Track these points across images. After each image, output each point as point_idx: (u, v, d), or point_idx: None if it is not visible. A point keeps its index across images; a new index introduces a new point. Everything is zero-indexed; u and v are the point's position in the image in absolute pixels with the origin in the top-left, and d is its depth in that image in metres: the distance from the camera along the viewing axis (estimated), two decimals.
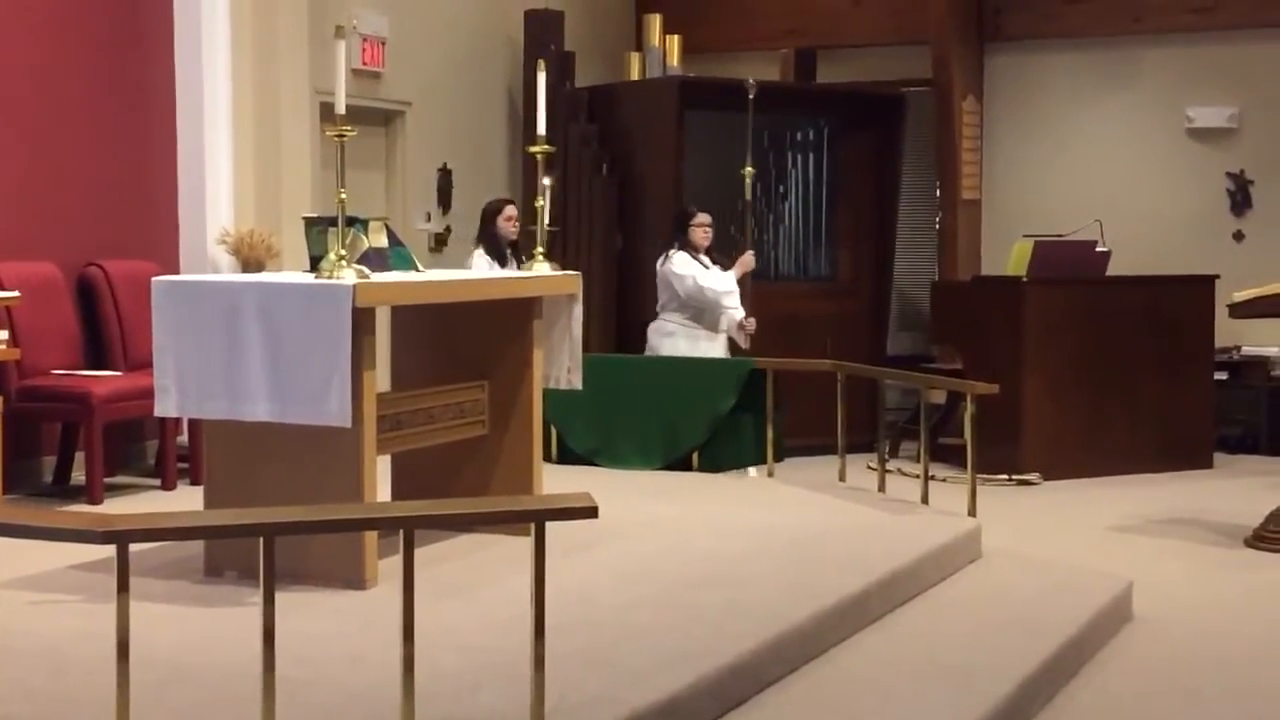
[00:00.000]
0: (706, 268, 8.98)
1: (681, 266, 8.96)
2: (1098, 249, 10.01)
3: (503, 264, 8.54)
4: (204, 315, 5.39)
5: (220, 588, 5.35)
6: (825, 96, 11.50)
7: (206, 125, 8.31)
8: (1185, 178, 11.14)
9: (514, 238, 8.67)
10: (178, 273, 8.00)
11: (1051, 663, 5.41)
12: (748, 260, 9.12)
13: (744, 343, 8.93)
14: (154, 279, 5.63)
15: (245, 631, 4.30)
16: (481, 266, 8.52)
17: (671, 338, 9.10)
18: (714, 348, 9.03)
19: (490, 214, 8.76)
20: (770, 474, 8.26)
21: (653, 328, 9.19)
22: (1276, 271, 8.30)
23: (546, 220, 6.95)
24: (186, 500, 6.98)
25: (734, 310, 8.95)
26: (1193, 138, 11.11)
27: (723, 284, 8.95)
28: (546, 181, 7.17)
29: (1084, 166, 11.48)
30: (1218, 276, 9.78)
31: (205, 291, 5.49)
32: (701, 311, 9.02)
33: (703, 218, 9.09)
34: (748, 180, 9.27)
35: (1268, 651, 5.96)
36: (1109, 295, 9.90)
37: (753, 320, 8.93)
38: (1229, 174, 10.94)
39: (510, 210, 8.77)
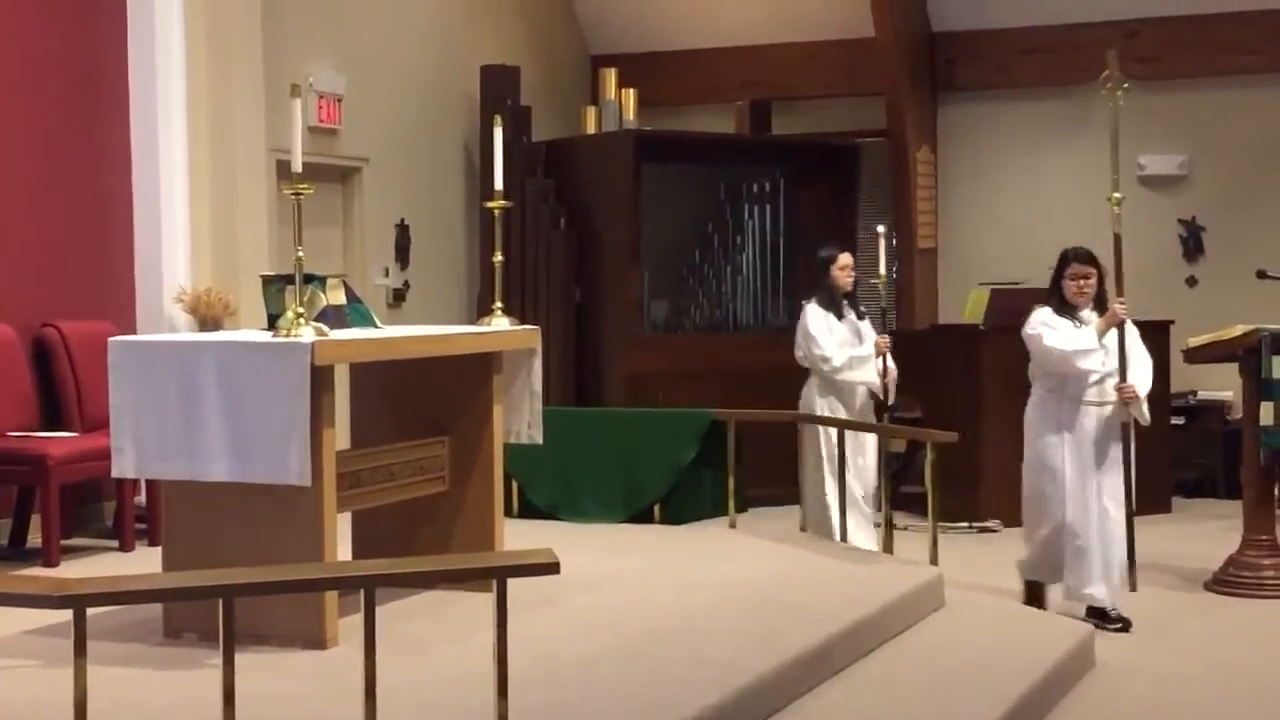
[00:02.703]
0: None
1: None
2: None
3: (839, 316, 8.07)
4: (161, 375, 5.36)
5: (179, 650, 5.30)
6: (780, 148, 11.58)
7: (163, 184, 8.29)
8: (1138, 225, 11.21)
9: (849, 288, 8.14)
10: (134, 332, 7.96)
11: (1015, 711, 5.40)
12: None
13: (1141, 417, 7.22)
14: (110, 339, 5.60)
15: (205, 693, 4.25)
16: (818, 323, 8.00)
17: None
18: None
19: (824, 265, 8.15)
20: (732, 525, 8.25)
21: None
22: (1230, 316, 8.36)
23: None
24: (145, 562, 6.92)
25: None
26: (1144, 185, 11.22)
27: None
28: None
29: (1038, 214, 11.57)
30: (1172, 322, 9.86)
31: (162, 351, 5.46)
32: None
33: (844, 259, 8.18)
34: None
35: (1230, 696, 5.98)
36: None
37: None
38: (1181, 220, 11.06)
39: (844, 259, 8.17)
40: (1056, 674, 5.96)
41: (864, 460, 8.03)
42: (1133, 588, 7.05)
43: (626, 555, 7.33)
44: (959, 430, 7.64)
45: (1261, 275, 8.03)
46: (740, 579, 6.62)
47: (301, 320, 5.41)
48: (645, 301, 10.67)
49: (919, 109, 11.68)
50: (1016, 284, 10.24)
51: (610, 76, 11.47)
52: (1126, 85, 7.30)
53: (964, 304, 10.19)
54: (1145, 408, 6.98)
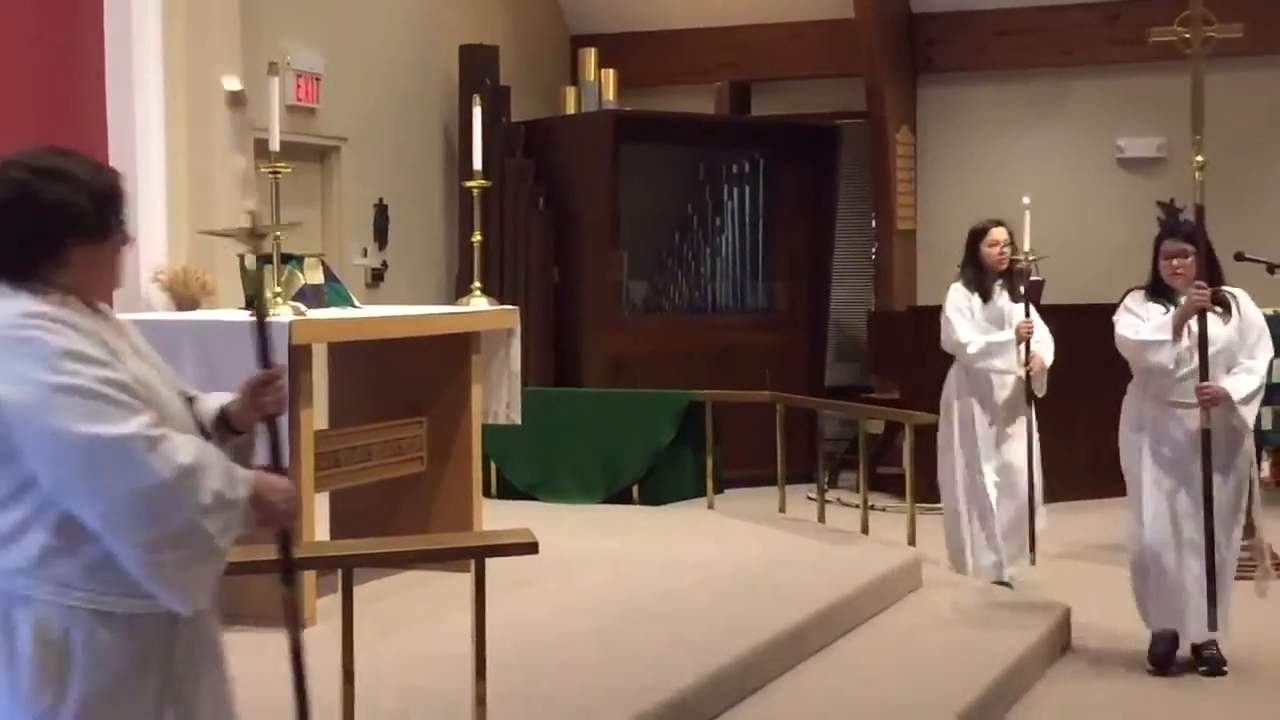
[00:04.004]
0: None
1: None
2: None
3: (985, 298, 7.23)
4: None
5: None
6: (760, 129, 11.56)
7: (139, 163, 8.24)
8: (1117, 207, 11.26)
9: (1002, 267, 7.24)
10: None
11: (990, 693, 5.43)
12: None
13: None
14: None
15: None
16: (957, 303, 7.19)
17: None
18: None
19: (972, 240, 7.34)
20: (710, 506, 8.26)
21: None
22: None
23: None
24: None
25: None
26: (1123, 167, 11.24)
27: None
28: None
29: (1017, 196, 11.48)
30: None
31: (140, 331, 5.43)
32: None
33: (996, 234, 7.27)
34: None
35: (1205, 680, 5.99)
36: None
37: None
38: (1159, 203, 11.05)
39: (996, 234, 7.27)
40: (1033, 655, 5.98)
41: (1006, 458, 7.12)
42: (1212, 625, 5.90)
43: (604, 536, 7.33)
44: (937, 411, 7.65)
45: (1240, 258, 8.00)
46: (718, 560, 6.63)
47: (279, 300, 5.39)
48: (624, 282, 10.66)
49: (898, 90, 11.67)
50: None
51: (590, 56, 11.44)
52: (1213, 31, 6.57)
53: (944, 288, 10.19)
54: (1249, 412, 5.90)
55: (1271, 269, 8.36)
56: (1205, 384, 5.80)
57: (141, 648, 2.66)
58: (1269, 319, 7.58)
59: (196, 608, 2.73)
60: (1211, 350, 5.83)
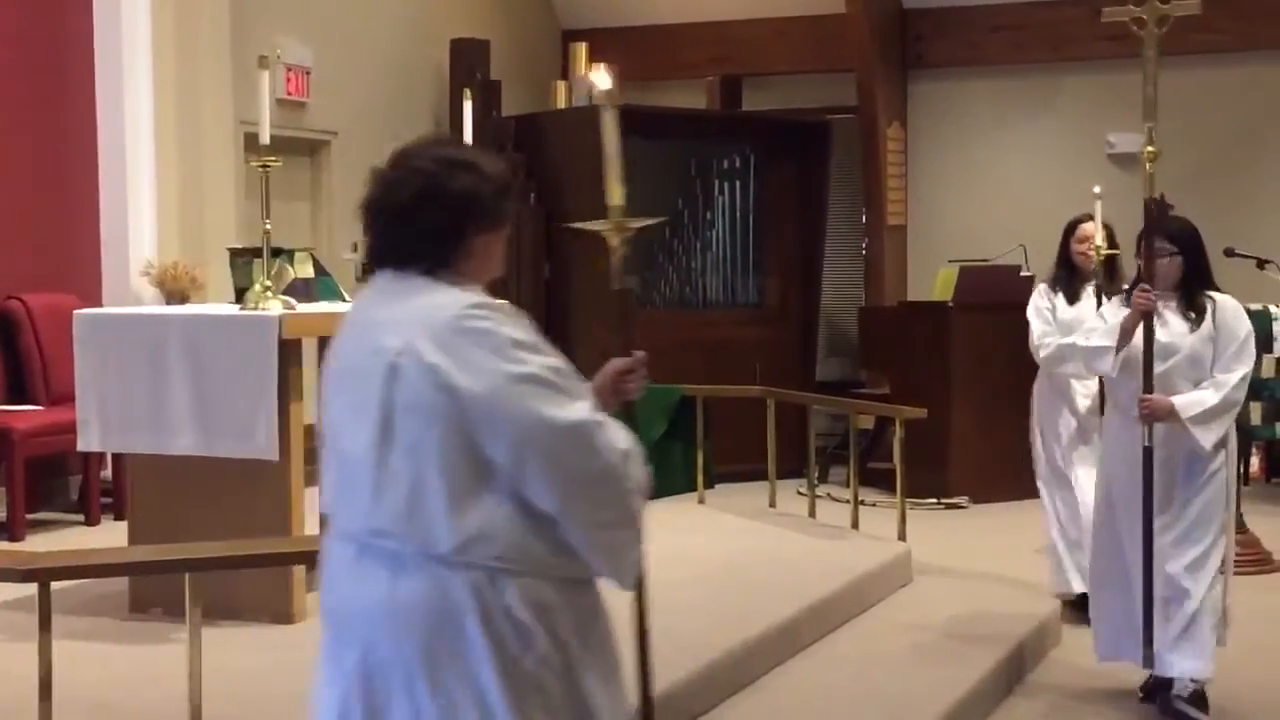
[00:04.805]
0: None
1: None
2: (1022, 274, 10.10)
3: (1072, 299, 6.52)
4: (127, 348, 5.33)
5: (146, 625, 5.28)
6: (751, 124, 11.56)
7: (129, 156, 8.23)
8: (1107, 202, 11.22)
9: (1089, 266, 6.50)
10: (100, 305, 7.91)
11: (981, 687, 5.43)
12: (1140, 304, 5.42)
13: (1144, 437, 5.32)
14: (76, 312, 5.57)
15: (171, 669, 4.23)
16: (1037, 304, 6.51)
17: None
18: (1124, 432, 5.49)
19: (1063, 235, 6.71)
20: (701, 500, 8.26)
21: None
22: None
23: None
24: (111, 536, 6.88)
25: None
26: (1113, 163, 11.23)
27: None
28: None
29: (1007, 192, 11.59)
30: None
31: (128, 324, 5.43)
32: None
33: (1085, 229, 6.54)
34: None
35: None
36: None
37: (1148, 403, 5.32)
38: (1148, 199, 11.07)
39: (1084, 230, 6.56)
40: (1022, 649, 5.98)
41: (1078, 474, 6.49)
42: (1146, 664, 5.42)
43: None
44: (928, 407, 7.65)
45: (1230, 254, 8.04)
46: (708, 555, 6.63)
47: (269, 294, 5.39)
48: (616, 277, 10.63)
49: (889, 86, 11.67)
50: (986, 261, 10.25)
51: (581, 51, 11.42)
52: (1168, 9, 6.20)
53: (934, 283, 10.20)
54: (1206, 433, 5.24)
55: (1261, 264, 8.40)
56: (1147, 397, 5.25)
57: (587, 614, 2.79)
58: (1257, 315, 7.65)
59: (633, 586, 2.87)
60: (1171, 359, 5.31)
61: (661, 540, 7.17)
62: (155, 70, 8.27)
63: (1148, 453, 5.29)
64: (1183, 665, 5.32)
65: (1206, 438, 5.26)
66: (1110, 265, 6.58)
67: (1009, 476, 9.55)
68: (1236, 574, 6.48)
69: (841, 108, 11.65)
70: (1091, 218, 6.53)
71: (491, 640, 2.63)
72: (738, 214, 11.17)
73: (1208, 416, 5.27)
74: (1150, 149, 5.93)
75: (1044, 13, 11.24)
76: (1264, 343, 7.57)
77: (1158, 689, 5.51)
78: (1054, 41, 11.30)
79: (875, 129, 11.52)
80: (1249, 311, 7.05)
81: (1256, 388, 7.55)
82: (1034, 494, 6.99)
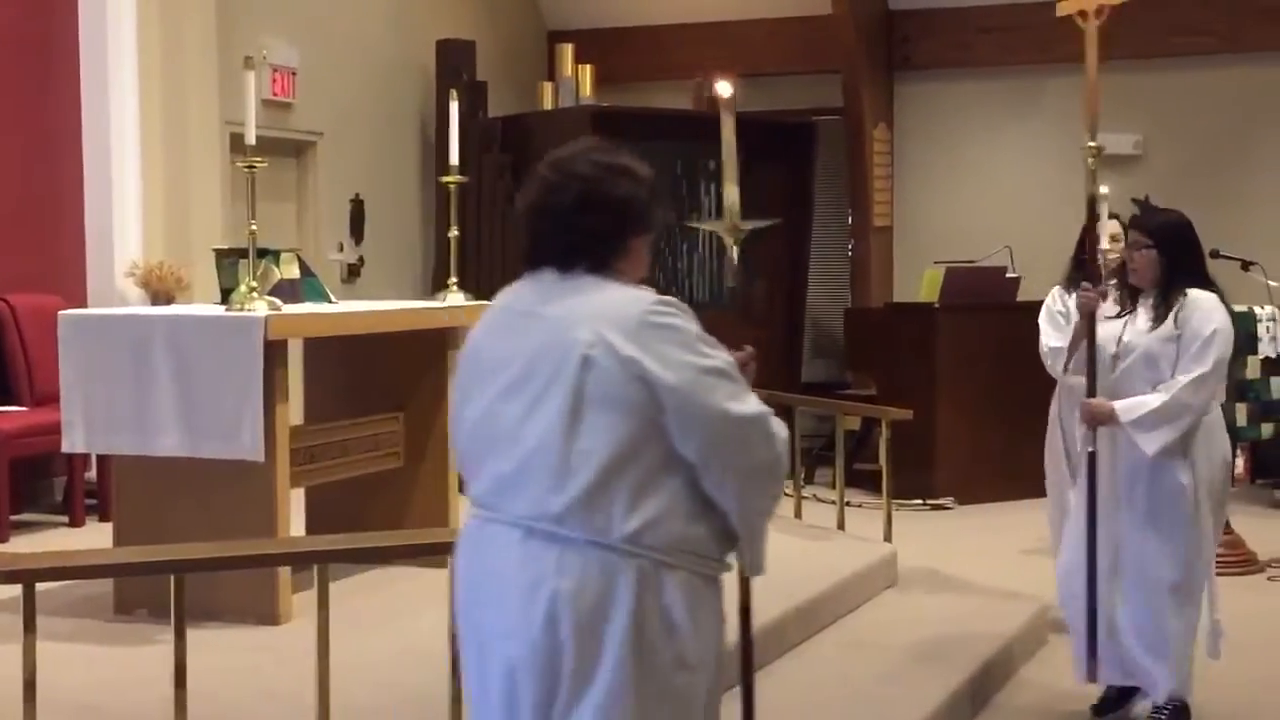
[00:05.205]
0: (1066, 312, 5.91)
1: (1047, 306, 6.16)
2: (1008, 275, 10.12)
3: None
4: (112, 349, 5.32)
5: (130, 626, 5.27)
6: (737, 125, 11.54)
7: (114, 156, 8.20)
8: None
9: (1109, 267, 5.90)
10: (85, 306, 7.88)
11: (967, 688, 5.44)
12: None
13: (1089, 441, 5.21)
14: (61, 313, 5.56)
15: (156, 670, 4.22)
16: (1050, 307, 6.10)
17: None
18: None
19: (1081, 236, 6.16)
20: None
21: None
22: None
23: None
24: (95, 538, 6.87)
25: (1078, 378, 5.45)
26: (1101, 164, 11.26)
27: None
28: None
29: (993, 193, 11.60)
30: None
31: (113, 325, 5.42)
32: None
33: (1109, 225, 6.01)
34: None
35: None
36: (1020, 320, 9.86)
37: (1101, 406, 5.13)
38: (1134, 200, 11.08)
39: (1107, 229, 6.04)
40: (1008, 651, 5.99)
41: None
42: (1090, 677, 5.29)
43: None
44: (913, 408, 7.66)
45: (1215, 255, 8.06)
46: None
47: (255, 294, 5.38)
48: None
49: (876, 87, 11.68)
50: (972, 263, 10.27)
51: (567, 52, 11.42)
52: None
53: (920, 285, 10.22)
54: (1147, 438, 4.99)
55: (1246, 266, 8.42)
56: (1089, 400, 5.11)
57: (719, 614, 2.92)
58: (1241, 316, 7.66)
59: (763, 572, 3.03)
60: (1128, 360, 5.13)
61: None
62: (141, 71, 8.25)
63: (1091, 458, 5.17)
64: (1124, 678, 5.24)
65: (1148, 444, 4.99)
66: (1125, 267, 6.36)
67: (994, 477, 9.59)
68: (1220, 574, 6.48)
69: (828, 109, 11.66)
70: (1114, 215, 6.38)
71: (638, 630, 2.74)
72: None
73: (1149, 421, 4.99)
74: (1092, 144, 5.79)
75: (1030, 14, 11.25)
76: (1248, 344, 7.58)
77: (1111, 703, 5.39)
78: (1040, 43, 11.31)
79: (861, 130, 11.53)
80: (1234, 314, 7.02)
81: (1242, 389, 7.57)
82: (1019, 495, 6.98)
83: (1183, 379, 4.99)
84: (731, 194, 3.52)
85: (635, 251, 2.95)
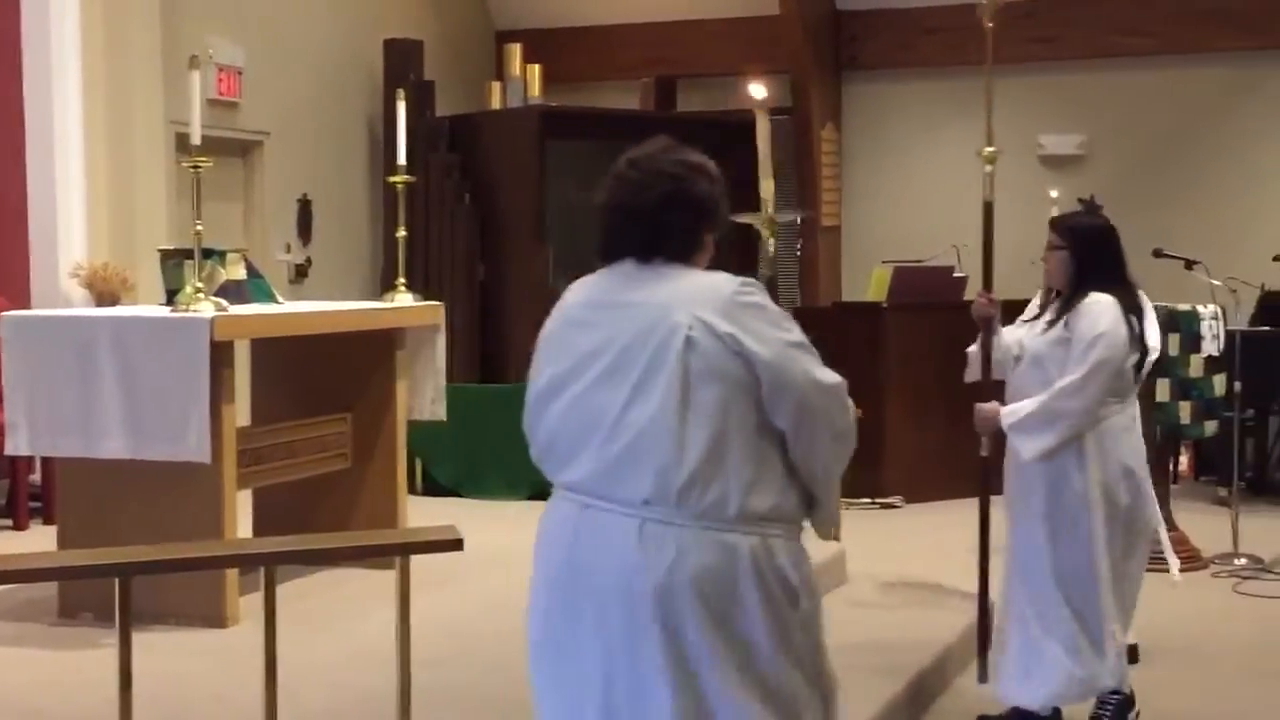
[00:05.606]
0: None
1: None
2: (955, 274, 10.17)
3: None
4: (56, 351, 5.27)
5: (75, 630, 5.23)
6: (685, 125, 11.56)
7: (57, 156, 8.13)
8: (1038, 203, 11.32)
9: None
10: (29, 307, 7.82)
11: (913, 687, 5.46)
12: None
13: (983, 447, 5.30)
14: (4, 314, 5.51)
15: (102, 674, 4.19)
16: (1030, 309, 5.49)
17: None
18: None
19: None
20: None
21: None
22: None
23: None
24: (40, 540, 6.80)
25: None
26: (1045, 164, 11.35)
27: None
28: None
29: (940, 193, 11.66)
30: None
31: (57, 326, 5.37)
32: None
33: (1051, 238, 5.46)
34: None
35: (1138, 670, 6.04)
36: (968, 319, 9.94)
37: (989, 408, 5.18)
38: (1080, 200, 11.14)
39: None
40: (954, 650, 6.02)
41: None
42: (981, 677, 5.43)
43: (530, 532, 7.30)
44: (862, 407, 7.67)
45: (1158, 254, 8.13)
46: None
47: (200, 295, 5.34)
48: (550, 278, 10.64)
49: (823, 87, 11.73)
50: (919, 262, 10.32)
51: (515, 52, 11.40)
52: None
53: (868, 284, 10.25)
54: (1025, 442, 4.98)
55: (1189, 265, 8.49)
56: (979, 405, 5.07)
57: (813, 572, 3.06)
58: (1184, 315, 7.73)
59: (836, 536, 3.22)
60: (1022, 364, 5.12)
61: None
62: (85, 70, 8.19)
63: (983, 463, 5.17)
64: (1018, 691, 5.11)
65: (1024, 448, 4.97)
66: None
67: (942, 476, 9.63)
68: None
69: (776, 109, 11.69)
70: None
71: (766, 600, 2.89)
72: None
73: (1024, 425, 4.97)
74: (989, 150, 5.77)
75: (976, 15, 11.34)
76: (1192, 343, 7.65)
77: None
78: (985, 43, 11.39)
79: (809, 130, 11.57)
80: (1177, 312, 7.09)
81: (1185, 387, 7.64)
82: (968, 493, 6.95)
83: (1060, 383, 4.93)
84: (767, 189, 3.60)
85: (708, 246, 3.12)
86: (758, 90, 3.83)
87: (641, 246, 3.00)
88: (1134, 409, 5.21)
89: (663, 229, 3.00)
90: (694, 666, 2.85)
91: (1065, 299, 5.06)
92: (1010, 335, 5.25)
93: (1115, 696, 5.20)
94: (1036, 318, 5.24)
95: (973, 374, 5.34)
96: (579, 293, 3.12)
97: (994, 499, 5.38)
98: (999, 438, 5.15)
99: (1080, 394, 4.91)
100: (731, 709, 2.86)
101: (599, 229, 3.08)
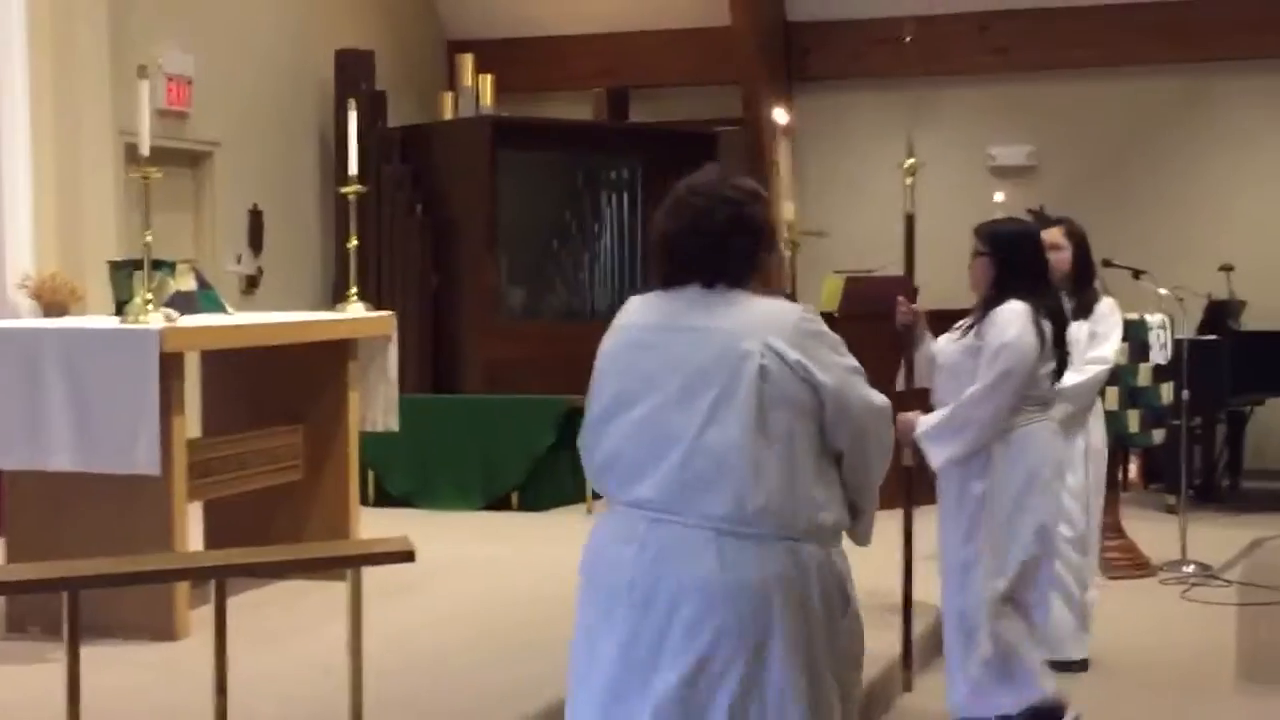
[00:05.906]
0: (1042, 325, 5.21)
1: None
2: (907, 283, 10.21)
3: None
4: (4, 362, 5.23)
5: (23, 644, 5.18)
6: (638, 136, 11.59)
7: (4, 166, 8.06)
8: (989, 213, 11.39)
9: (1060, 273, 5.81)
10: None
11: (874, 689, 5.47)
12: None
13: (904, 457, 5.31)
14: None
15: (49, 689, 4.15)
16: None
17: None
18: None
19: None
20: (590, 511, 8.26)
21: None
22: None
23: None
24: None
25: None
26: (995, 175, 11.43)
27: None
28: None
29: (892, 203, 11.68)
30: None
31: (5, 338, 5.32)
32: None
33: (1050, 234, 5.84)
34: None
35: (1086, 678, 6.07)
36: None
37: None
38: (1030, 210, 11.27)
39: (1052, 235, 5.95)
40: (914, 652, 6.03)
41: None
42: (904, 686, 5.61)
43: (483, 543, 7.30)
44: None
45: (1107, 264, 8.18)
46: None
47: (150, 306, 5.31)
48: (503, 288, 10.63)
49: (775, 98, 11.76)
50: (871, 272, 10.36)
51: (467, 62, 11.39)
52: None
53: (820, 293, 10.29)
54: (934, 449, 5.06)
55: (1136, 275, 8.56)
56: (901, 414, 4.89)
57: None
58: (1133, 324, 7.79)
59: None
60: (939, 373, 5.21)
61: (550, 552, 7.17)
62: (32, 79, 8.12)
63: (906, 473, 5.26)
64: (952, 699, 5.16)
65: (933, 455, 5.05)
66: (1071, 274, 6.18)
67: (893, 485, 9.65)
68: (1114, 578, 6.56)
69: (728, 119, 11.73)
70: (1054, 221, 6.32)
71: (825, 608, 3.09)
72: (625, 226, 11.19)
73: (934, 433, 5.05)
74: (910, 161, 6.01)
75: (926, 26, 11.41)
76: (1140, 351, 7.71)
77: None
78: (937, 54, 11.46)
79: (761, 141, 11.61)
80: (1126, 322, 7.12)
81: (1134, 395, 7.69)
82: (925, 500, 7.02)
83: (968, 391, 4.96)
84: (789, 209, 4.09)
85: (763, 268, 3.22)
86: (779, 115, 3.90)
87: (707, 270, 3.12)
88: (1066, 412, 5.36)
89: (727, 252, 3.12)
90: (767, 668, 3.01)
91: (983, 306, 5.06)
92: (938, 344, 5.32)
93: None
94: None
95: (900, 382, 5.44)
96: (640, 313, 3.21)
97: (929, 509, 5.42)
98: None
99: (986, 402, 4.94)
100: (789, 706, 3.04)
101: (660, 254, 3.19)
